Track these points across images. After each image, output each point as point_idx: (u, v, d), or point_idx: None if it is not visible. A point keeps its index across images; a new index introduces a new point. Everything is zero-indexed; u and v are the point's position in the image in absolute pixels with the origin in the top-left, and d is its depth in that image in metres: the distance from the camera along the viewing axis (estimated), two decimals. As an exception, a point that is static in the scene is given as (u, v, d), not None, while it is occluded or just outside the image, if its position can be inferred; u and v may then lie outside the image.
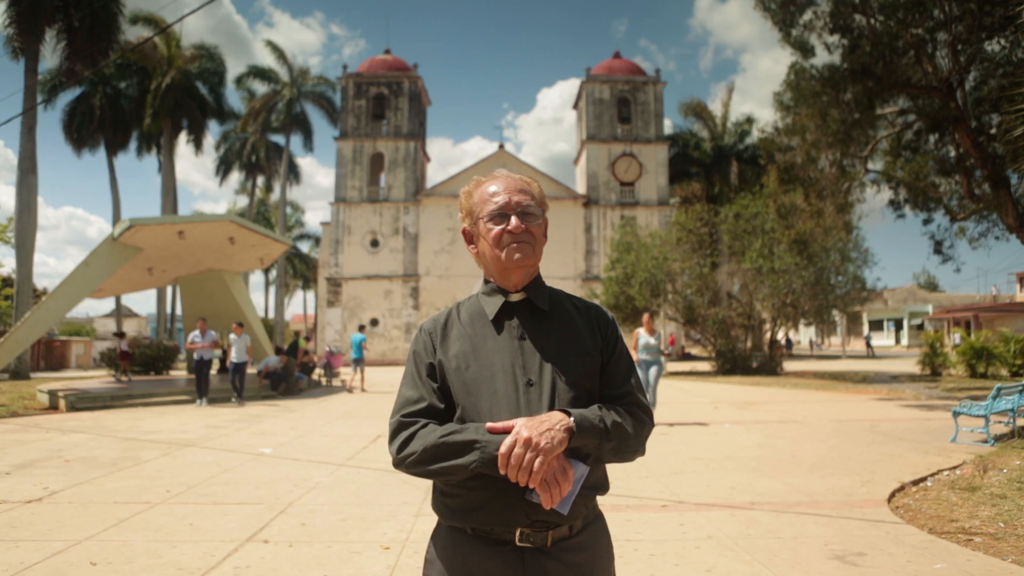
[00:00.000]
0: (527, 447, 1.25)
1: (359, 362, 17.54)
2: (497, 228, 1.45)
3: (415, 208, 37.51)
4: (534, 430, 1.27)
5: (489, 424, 1.31)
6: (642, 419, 1.47)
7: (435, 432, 1.35)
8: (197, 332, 13.30)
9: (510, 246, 1.44)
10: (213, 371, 14.90)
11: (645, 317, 10.27)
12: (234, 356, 13.52)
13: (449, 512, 1.40)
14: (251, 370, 16.08)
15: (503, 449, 1.26)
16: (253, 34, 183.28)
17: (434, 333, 1.49)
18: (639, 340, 10.14)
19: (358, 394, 16.54)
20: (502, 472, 1.26)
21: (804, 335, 52.79)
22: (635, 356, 9.86)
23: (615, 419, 1.38)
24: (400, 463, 1.38)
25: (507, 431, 1.29)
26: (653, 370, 10.07)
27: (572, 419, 1.32)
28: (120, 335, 21.75)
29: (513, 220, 1.44)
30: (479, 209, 1.48)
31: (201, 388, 13.09)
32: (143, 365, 21.77)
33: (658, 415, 10.06)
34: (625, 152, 38.20)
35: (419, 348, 1.49)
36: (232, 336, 13.61)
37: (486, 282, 1.53)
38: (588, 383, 1.45)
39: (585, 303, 1.57)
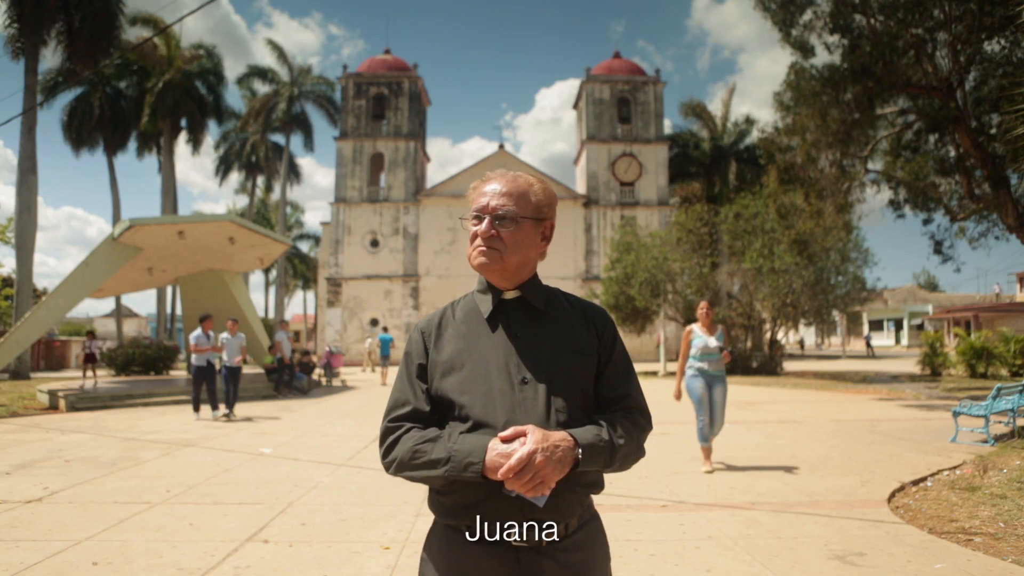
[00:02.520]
0: (535, 471, 1.25)
1: (387, 359, 20.50)
2: (473, 228, 1.46)
3: (415, 208, 37.51)
4: (546, 455, 1.27)
5: (501, 434, 1.31)
6: (642, 425, 1.47)
7: (412, 439, 1.38)
8: (199, 331, 11.07)
9: (477, 248, 1.45)
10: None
11: (702, 308, 6.61)
12: (226, 359, 11.45)
13: (444, 510, 1.40)
14: (249, 369, 15.90)
15: (512, 463, 1.25)
16: (252, 34, 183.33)
17: (427, 332, 1.50)
18: (692, 341, 6.57)
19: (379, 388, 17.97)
20: (498, 478, 1.27)
21: (791, 335, 52.80)
22: (682, 368, 6.68)
23: (618, 440, 1.38)
24: (387, 468, 1.41)
25: (517, 436, 1.30)
26: (718, 391, 6.50)
27: (579, 450, 1.32)
28: (89, 334, 19.61)
29: (484, 224, 1.44)
30: (471, 205, 1.50)
31: (197, 398, 11.18)
32: (143, 365, 21.77)
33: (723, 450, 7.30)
34: (625, 152, 38.19)
35: (411, 349, 1.50)
36: (224, 335, 11.42)
37: (481, 280, 1.52)
38: (583, 381, 1.44)
39: (582, 302, 1.57)
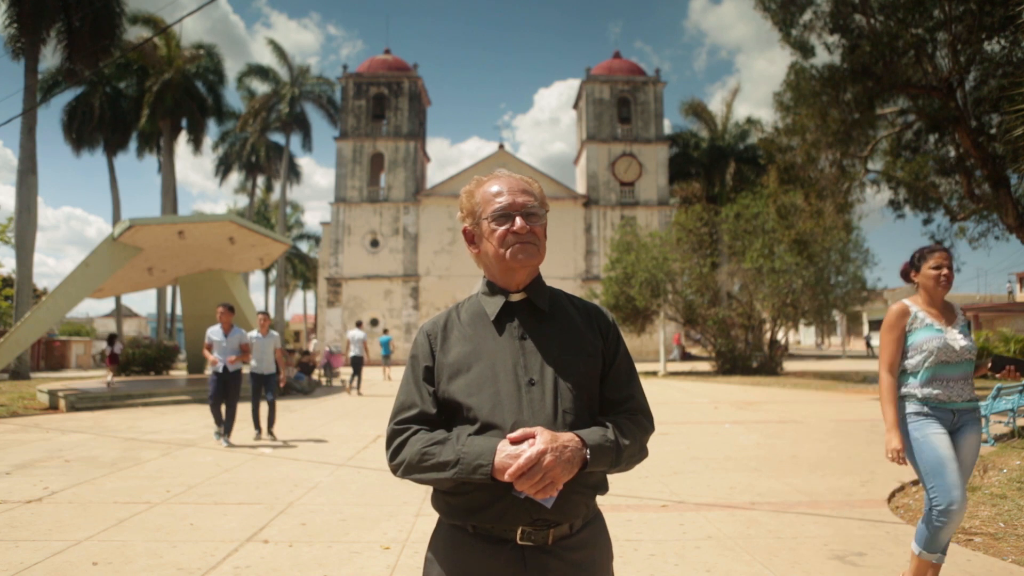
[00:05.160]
0: (544, 472, 1.26)
1: (387, 358, 21.59)
2: (501, 228, 1.44)
3: (415, 208, 37.51)
4: (555, 455, 1.27)
5: (510, 436, 1.31)
6: (645, 426, 1.49)
7: (420, 441, 1.37)
8: (218, 328, 8.41)
9: (515, 246, 1.44)
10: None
11: (935, 263, 3.18)
12: (254, 363, 8.66)
13: (451, 511, 1.41)
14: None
15: (521, 463, 1.25)
16: (251, 35, 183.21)
17: (433, 335, 1.49)
18: (912, 336, 3.18)
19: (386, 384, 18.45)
20: (506, 480, 1.27)
21: (790, 335, 52.49)
22: (892, 393, 3.15)
23: (623, 441, 1.39)
24: (394, 471, 1.41)
25: (526, 438, 1.30)
26: (970, 443, 3.10)
27: (587, 451, 1.32)
28: (112, 337, 18.84)
29: (518, 221, 1.44)
30: (482, 209, 1.48)
31: (219, 412, 8.35)
32: (143, 365, 21.77)
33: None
34: (625, 152, 38.19)
35: (417, 351, 1.50)
36: (254, 334, 8.72)
37: (487, 283, 1.52)
38: (589, 383, 1.45)
39: (585, 304, 1.57)
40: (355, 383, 16.32)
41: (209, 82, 31.38)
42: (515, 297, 1.49)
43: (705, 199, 33.75)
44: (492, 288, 1.50)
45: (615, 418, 1.44)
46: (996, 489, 5.43)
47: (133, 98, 30.65)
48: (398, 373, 21.47)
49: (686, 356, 36.21)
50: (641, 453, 1.46)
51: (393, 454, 1.41)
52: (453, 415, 1.42)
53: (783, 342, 24.22)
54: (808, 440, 8.23)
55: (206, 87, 31.35)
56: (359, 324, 17.80)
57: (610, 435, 1.38)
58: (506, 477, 1.26)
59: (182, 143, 32.92)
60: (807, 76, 13.83)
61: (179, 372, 23.32)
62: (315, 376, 19.97)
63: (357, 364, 16.30)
